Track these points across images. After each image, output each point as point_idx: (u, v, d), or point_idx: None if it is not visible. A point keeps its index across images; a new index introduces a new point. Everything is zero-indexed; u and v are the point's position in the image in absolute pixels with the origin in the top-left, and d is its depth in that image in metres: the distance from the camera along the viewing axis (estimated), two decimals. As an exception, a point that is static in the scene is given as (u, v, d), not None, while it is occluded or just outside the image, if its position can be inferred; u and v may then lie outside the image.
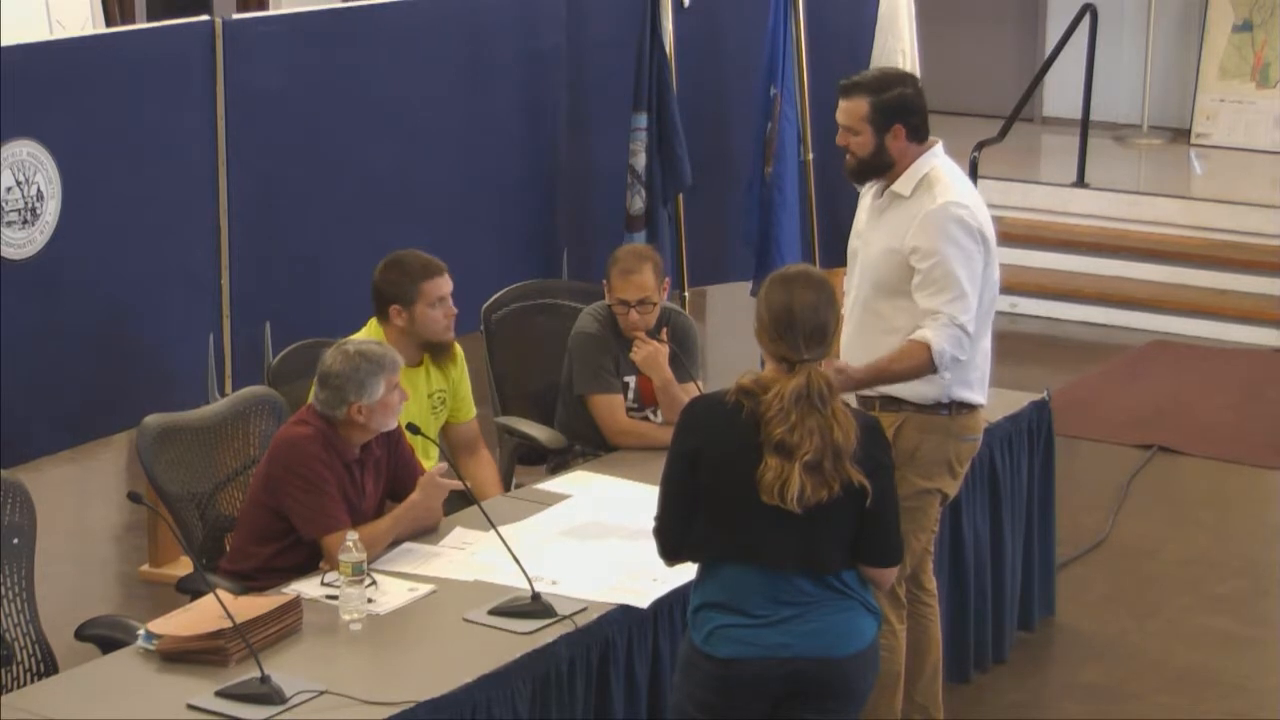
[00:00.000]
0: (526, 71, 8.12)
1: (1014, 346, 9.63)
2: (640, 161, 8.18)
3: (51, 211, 6.50)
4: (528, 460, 6.74)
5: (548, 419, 6.64)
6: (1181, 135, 12.69)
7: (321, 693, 4.57)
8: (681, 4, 8.43)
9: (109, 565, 7.77)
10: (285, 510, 5.36)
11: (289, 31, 7.37)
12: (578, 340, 6.46)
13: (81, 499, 8.41)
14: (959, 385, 5.53)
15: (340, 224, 7.41)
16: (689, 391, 6.33)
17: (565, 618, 4.98)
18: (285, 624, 4.88)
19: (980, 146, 10.92)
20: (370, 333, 6.04)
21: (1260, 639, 6.95)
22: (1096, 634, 6.94)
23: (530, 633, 4.93)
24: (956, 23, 12.99)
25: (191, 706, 4.53)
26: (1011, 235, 10.70)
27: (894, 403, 5.53)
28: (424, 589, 5.20)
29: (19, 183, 6.38)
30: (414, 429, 5.71)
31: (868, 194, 5.70)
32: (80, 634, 5.05)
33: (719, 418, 4.49)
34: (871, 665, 4.65)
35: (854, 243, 5.71)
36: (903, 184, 5.51)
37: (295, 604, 4.95)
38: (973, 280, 5.42)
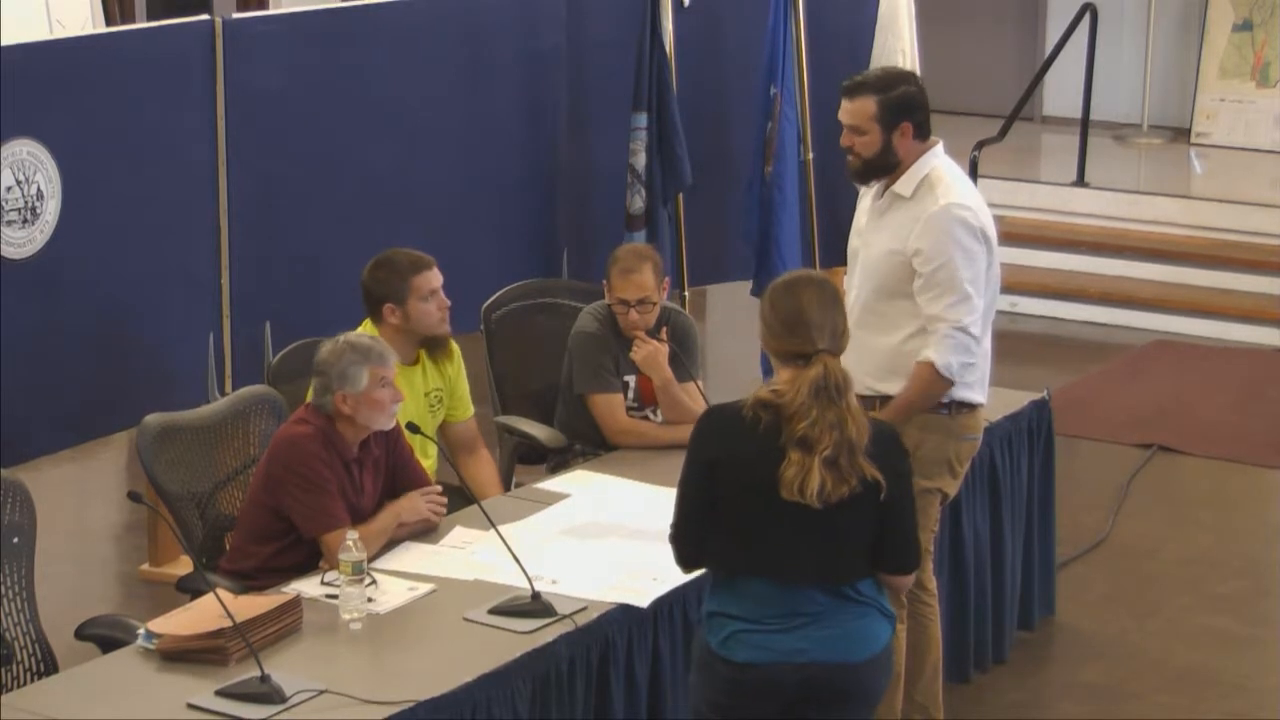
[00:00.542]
0: (526, 71, 8.12)
1: (1014, 346, 9.63)
2: (640, 161, 8.18)
3: (51, 211, 6.50)
4: (528, 460, 6.74)
5: (548, 418, 6.64)
6: (1181, 135, 12.69)
7: (321, 692, 4.57)
8: (681, 4, 8.43)
9: (109, 565, 7.77)
10: (285, 509, 5.36)
11: (289, 31, 7.37)
12: (578, 339, 6.46)
13: (81, 499, 8.41)
14: (960, 385, 5.54)
15: (340, 224, 7.40)
16: (689, 391, 6.34)
17: (565, 617, 4.98)
18: (285, 623, 4.88)
19: (980, 146, 10.92)
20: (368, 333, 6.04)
21: (1260, 639, 6.95)
22: (1096, 634, 6.94)
23: (530, 632, 4.93)
24: (956, 23, 12.99)
25: (191, 706, 4.53)
26: (1012, 235, 10.70)
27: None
28: (424, 588, 5.20)
29: (19, 182, 6.38)
30: (413, 428, 5.71)
31: (867, 194, 5.70)
32: (80, 633, 5.05)
33: (737, 429, 4.47)
34: (885, 669, 4.66)
35: (854, 243, 5.71)
36: (904, 185, 5.51)
37: (295, 603, 4.95)
38: (976, 282, 5.43)
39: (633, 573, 5.27)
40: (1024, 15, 13.39)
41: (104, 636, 4.99)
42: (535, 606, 5.01)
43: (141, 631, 4.82)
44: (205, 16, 7.03)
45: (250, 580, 5.31)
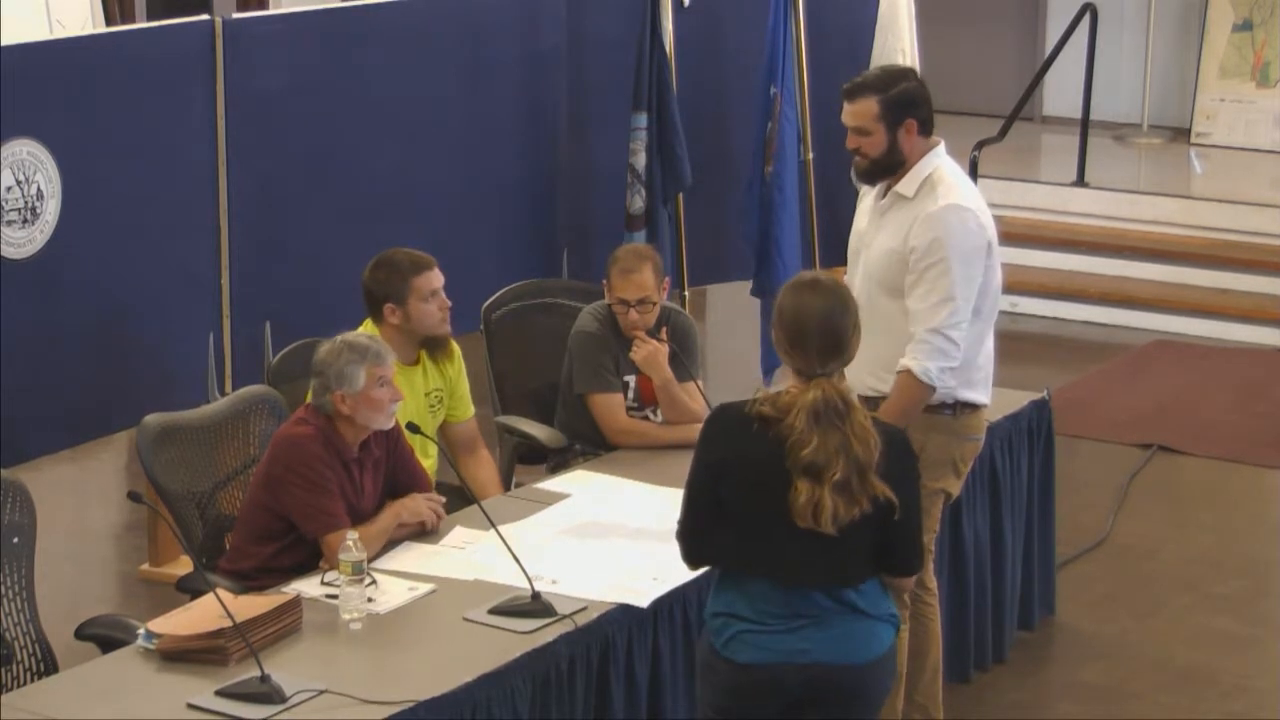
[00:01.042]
0: (526, 71, 8.12)
1: (1014, 346, 9.61)
2: (640, 161, 8.18)
3: (51, 211, 6.50)
4: (528, 459, 6.74)
5: (548, 418, 6.64)
6: (1181, 135, 12.69)
7: (321, 692, 4.57)
8: (681, 4, 8.43)
9: (109, 565, 7.77)
10: (285, 509, 5.36)
11: (289, 31, 7.37)
12: (578, 339, 6.46)
13: (81, 499, 8.40)
14: (963, 386, 5.54)
15: (340, 224, 7.41)
16: (689, 391, 6.34)
17: (565, 617, 4.98)
18: (285, 623, 4.88)
19: (980, 146, 10.92)
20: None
21: (1260, 639, 6.95)
22: (1096, 633, 6.94)
23: (530, 632, 4.93)
24: (956, 23, 12.99)
25: (191, 706, 4.52)
26: (1012, 235, 10.69)
27: (897, 403, 5.54)
28: (424, 588, 5.20)
29: (19, 182, 6.38)
30: (414, 428, 5.71)
31: (868, 195, 5.69)
32: (80, 633, 5.05)
33: (744, 433, 4.45)
34: (889, 670, 4.65)
35: (855, 243, 5.71)
36: (906, 185, 5.51)
37: (295, 603, 4.95)
38: (967, 284, 5.42)
39: (633, 573, 5.27)
40: (1024, 15, 13.39)
41: (104, 636, 4.98)
42: (535, 606, 5.01)
43: (141, 631, 4.82)
44: (205, 16, 7.04)
45: (250, 580, 5.31)
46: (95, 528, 8.15)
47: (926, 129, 5.52)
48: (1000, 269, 5.61)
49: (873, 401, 5.56)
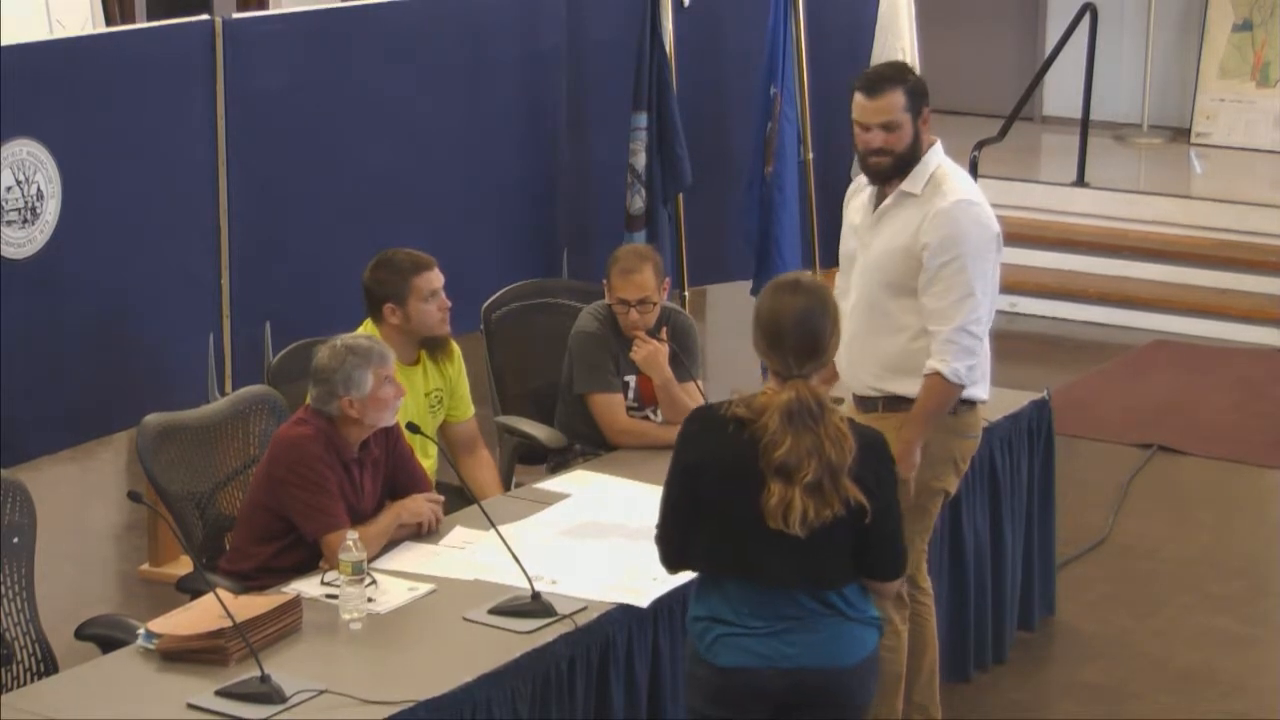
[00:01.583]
0: (526, 71, 8.12)
1: (1014, 346, 9.63)
2: (640, 161, 8.18)
3: (51, 211, 6.50)
4: (528, 460, 6.74)
5: (548, 418, 6.64)
6: (1181, 135, 12.69)
7: (321, 692, 4.57)
8: (681, 4, 8.43)
9: (109, 564, 7.77)
10: (286, 510, 5.36)
11: (289, 31, 7.37)
12: (578, 339, 6.46)
13: (81, 499, 8.40)
14: (965, 383, 5.54)
15: (340, 224, 7.41)
16: (689, 391, 6.34)
17: (565, 617, 4.98)
18: (285, 623, 4.88)
19: (980, 146, 10.92)
20: (367, 333, 6.04)
21: (1260, 639, 6.95)
22: (1096, 633, 6.94)
23: (530, 632, 4.93)
24: (956, 23, 12.99)
25: (191, 706, 4.53)
26: (1011, 235, 10.55)
27: (898, 402, 5.53)
28: (424, 588, 5.20)
29: (19, 182, 6.38)
30: (413, 428, 5.71)
31: (858, 194, 5.68)
32: (80, 633, 5.05)
33: (720, 435, 4.44)
34: (874, 673, 4.63)
35: (850, 243, 5.68)
36: (912, 182, 5.48)
37: (295, 603, 4.95)
38: (982, 280, 5.41)
39: (633, 573, 5.26)
40: (1024, 15, 13.39)
41: (104, 636, 4.99)
42: (535, 606, 5.01)
43: (141, 631, 4.82)
44: (205, 16, 7.04)
45: (250, 580, 5.31)
46: (95, 528, 8.15)
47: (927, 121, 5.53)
48: (1000, 268, 5.60)
49: (872, 401, 5.56)
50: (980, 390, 5.59)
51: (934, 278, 5.40)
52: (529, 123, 8.18)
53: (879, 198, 5.57)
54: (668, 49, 8.17)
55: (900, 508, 4.56)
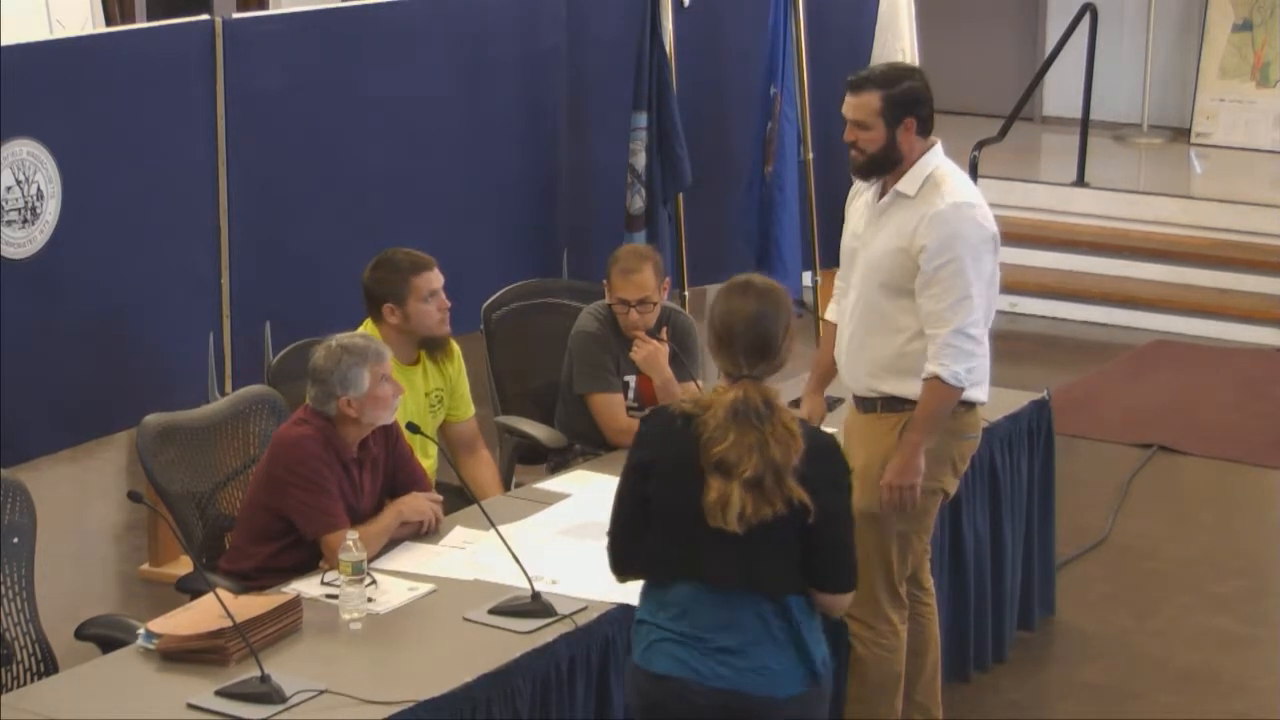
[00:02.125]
0: (526, 71, 8.12)
1: (1014, 346, 9.64)
2: (640, 161, 8.18)
3: (51, 211, 6.50)
4: (528, 460, 6.74)
5: (548, 418, 6.65)
6: (1181, 135, 12.69)
7: (321, 692, 4.57)
8: (681, 4, 8.43)
9: (109, 564, 7.77)
10: (285, 510, 5.36)
11: (289, 31, 7.37)
12: (578, 339, 6.46)
13: (81, 498, 8.41)
14: (963, 384, 5.53)
15: (340, 224, 7.41)
16: (689, 391, 6.34)
17: (565, 617, 4.98)
18: (285, 623, 4.88)
19: (980, 146, 10.92)
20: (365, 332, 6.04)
21: (1260, 639, 6.95)
22: (1096, 633, 6.94)
23: (530, 632, 4.93)
24: (956, 23, 12.99)
25: (191, 706, 4.52)
26: (1012, 235, 10.63)
27: (896, 403, 5.52)
28: (424, 588, 5.20)
29: (19, 182, 6.38)
30: (413, 428, 5.71)
31: (859, 195, 5.68)
32: (80, 633, 5.05)
33: (668, 431, 4.40)
34: (815, 707, 4.46)
35: (850, 243, 5.68)
36: (907, 183, 5.49)
37: (295, 603, 4.95)
38: (979, 282, 5.41)
39: (633, 573, 5.26)
40: (1024, 15, 13.39)
41: (104, 636, 4.99)
42: (535, 606, 5.01)
43: (141, 631, 4.82)
44: (205, 16, 7.04)
45: (250, 580, 5.31)
46: (95, 528, 8.15)
47: (926, 128, 5.51)
48: (999, 268, 5.60)
49: (871, 402, 5.56)
50: (979, 392, 5.58)
51: (931, 280, 5.39)
52: (529, 123, 8.18)
53: (878, 198, 5.58)
54: (668, 49, 8.17)
55: (851, 516, 4.45)
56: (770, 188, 8.45)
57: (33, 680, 4.95)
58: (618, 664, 5.07)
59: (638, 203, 8.22)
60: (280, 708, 4.50)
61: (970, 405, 5.59)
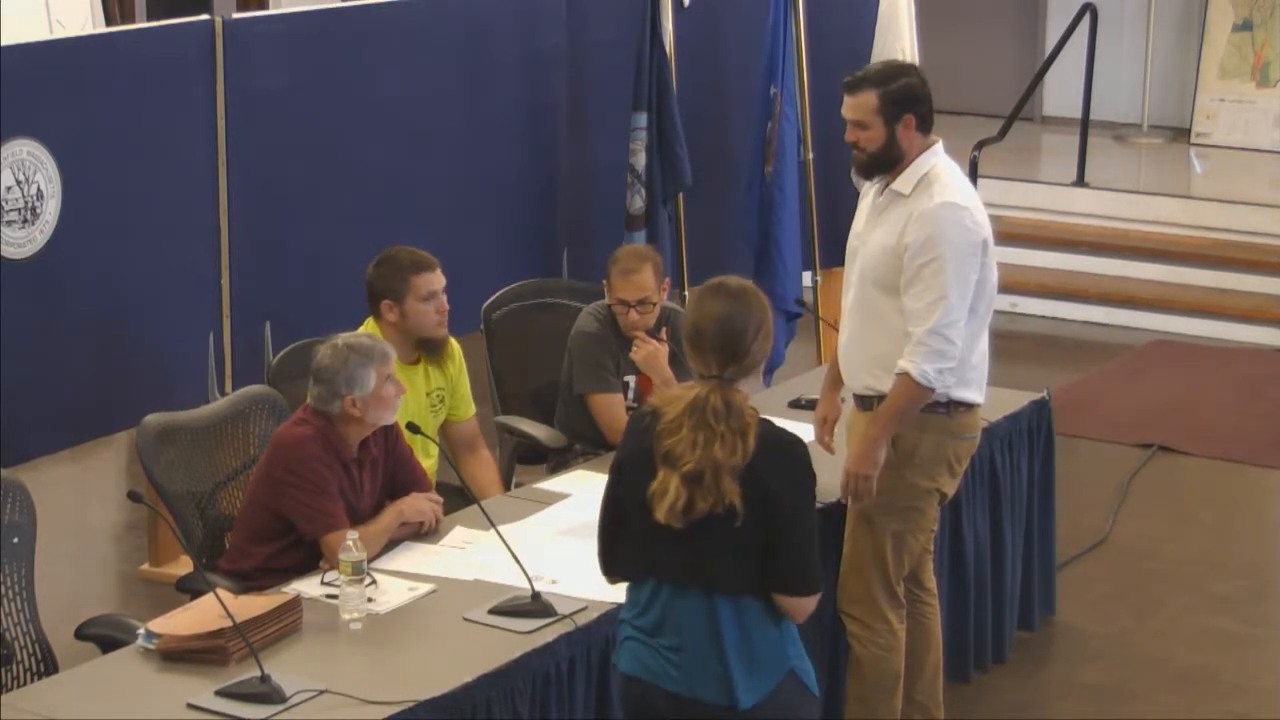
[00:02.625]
0: (526, 71, 8.12)
1: (1014, 346, 9.64)
2: (640, 161, 8.19)
3: (51, 211, 6.50)
4: (528, 459, 6.74)
5: (548, 418, 6.65)
6: (1181, 135, 12.70)
7: (321, 692, 4.57)
8: (681, 4, 8.43)
9: (109, 565, 7.77)
10: (285, 510, 5.36)
11: (289, 31, 7.37)
12: (578, 339, 6.46)
13: (81, 499, 8.41)
14: (957, 385, 5.51)
15: (340, 224, 7.41)
16: (689, 391, 6.34)
17: (565, 617, 4.98)
18: (285, 623, 4.88)
19: (980, 146, 10.92)
20: (367, 331, 6.04)
21: (1260, 639, 6.95)
22: (1097, 634, 6.94)
23: (530, 632, 4.93)
24: (956, 23, 12.99)
25: (191, 706, 4.52)
26: (1011, 235, 10.71)
27: (893, 402, 5.53)
28: (424, 588, 5.20)
29: (19, 182, 6.38)
30: (414, 428, 5.71)
31: (868, 194, 5.69)
32: (80, 633, 5.05)
33: (638, 429, 4.42)
34: (793, 706, 4.42)
35: (853, 242, 5.70)
36: (903, 182, 5.49)
37: (295, 603, 4.95)
38: (961, 282, 5.39)
39: (633, 573, 5.26)
40: (1024, 15, 13.39)
41: (104, 636, 4.98)
42: (535, 606, 5.01)
43: (141, 631, 4.82)
44: (205, 16, 7.04)
45: (250, 580, 5.31)
46: (95, 528, 8.15)
47: (925, 126, 5.51)
48: (996, 268, 5.60)
49: (868, 400, 5.56)
50: (974, 392, 5.58)
51: (913, 278, 5.40)
52: (529, 123, 8.19)
53: (879, 197, 5.59)
54: (668, 49, 8.17)
55: (813, 519, 4.41)
56: (770, 188, 8.45)
57: (33, 680, 4.95)
58: (618, 664, 5.08)
59: (638, 203, 8.22)
60: (280, 708, 4.50)
61: (968, 406, 5.59)
